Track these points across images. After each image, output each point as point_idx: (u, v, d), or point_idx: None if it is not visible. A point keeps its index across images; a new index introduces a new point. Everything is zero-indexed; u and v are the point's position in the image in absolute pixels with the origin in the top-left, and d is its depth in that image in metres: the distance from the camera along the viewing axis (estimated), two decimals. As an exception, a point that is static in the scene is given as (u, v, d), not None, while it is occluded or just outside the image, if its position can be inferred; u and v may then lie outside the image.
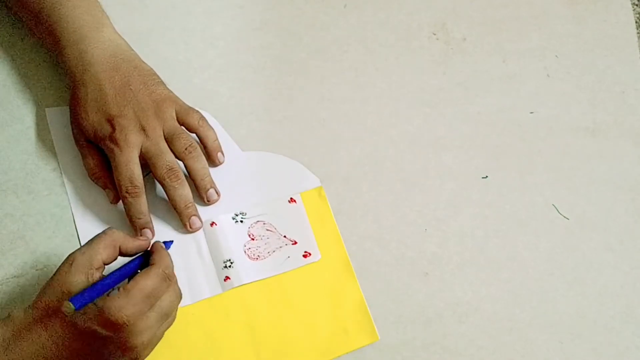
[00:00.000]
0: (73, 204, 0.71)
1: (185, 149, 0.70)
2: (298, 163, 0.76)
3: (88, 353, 0.59)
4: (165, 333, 0.65)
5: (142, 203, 0.69)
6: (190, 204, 0.70)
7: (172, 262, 0.64)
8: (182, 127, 0.72)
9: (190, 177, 0.71)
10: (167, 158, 0.69)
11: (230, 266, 0.71)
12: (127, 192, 0.68)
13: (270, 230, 0.73)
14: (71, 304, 0.56)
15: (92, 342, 0.59)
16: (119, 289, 0.59)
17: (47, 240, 0.70)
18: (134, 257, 0.64)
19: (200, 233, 0.72)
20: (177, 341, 0.68)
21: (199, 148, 0.71)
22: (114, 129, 0.68)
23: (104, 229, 0.70)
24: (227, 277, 0.70)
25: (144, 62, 0.73)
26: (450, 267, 0.74)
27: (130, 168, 0.68)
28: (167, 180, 0.69)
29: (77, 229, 0.71)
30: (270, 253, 0.72)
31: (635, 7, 0.89)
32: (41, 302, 0.60)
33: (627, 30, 0.86)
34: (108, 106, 0.69)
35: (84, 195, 0.72)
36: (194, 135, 0.73)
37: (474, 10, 0.85)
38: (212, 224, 0.72)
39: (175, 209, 0.70)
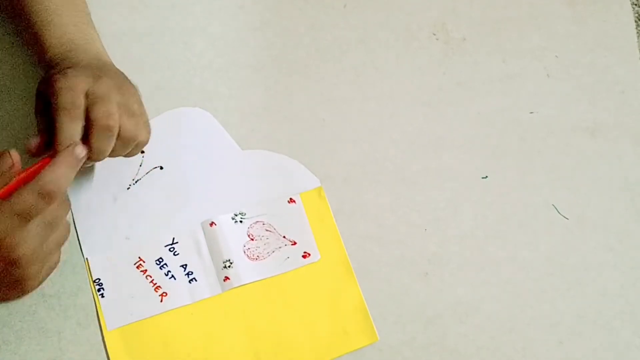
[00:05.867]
0: (73, 204, 0.71)
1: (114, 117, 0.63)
2: (298, 163, 0.76)
3: None
4: (164, 333, 0.66)
5: (77, 128, 0.62)
6: (101, 158, 0.64)
7: (66, 172, 0.59)
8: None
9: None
10: (110, 107, 0.63)
11: (229, 266, 0.71)
12: (64, 109, 0.61)
13: (270, 231, 0.73)
14: None
15: None
16: None
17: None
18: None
19: (199, 233, 0.72)
20: (177, 341, 0.68)
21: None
22: (65, 71, 0.64)
23: (103, 228, 0.71)
24: (226, 277, 0.70)
25: (128, 79, 0.70)
26: (450, 267, 0.74)
27: (74, 93, 0.61)
28: (98, 127, 0.62)
29: (77, 229, 0.71)
30: (269, 253, 0.72)
31: (635, 7, 0.89)
32: None
33: (627, 30, 0.86)
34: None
35: (84, 195, 0.72)
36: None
37: (474, 10, 0.85)
38: (212, 224, 0.72)
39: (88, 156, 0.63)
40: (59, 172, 0.58)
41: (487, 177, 0.78)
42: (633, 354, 0.73)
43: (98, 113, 0.62)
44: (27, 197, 0.56)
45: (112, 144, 0.64)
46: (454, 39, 0.84)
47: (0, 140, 0.73)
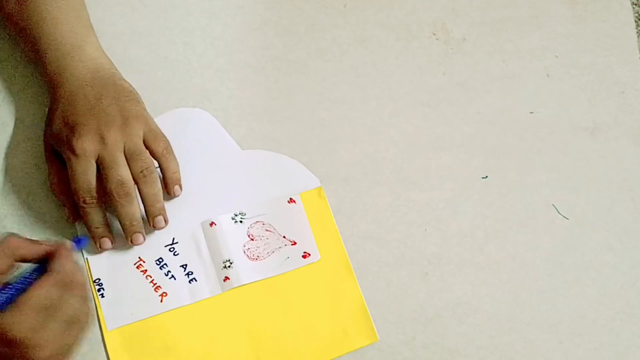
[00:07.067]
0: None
1: (141, 171, 0.68)
2: (298, 163, 0.76)
3: None
4: (164, 333, 0.65)
5: (99, 213, 0.68)
6: (135, 222, 0.68)
7: (76, 264, 0.60)
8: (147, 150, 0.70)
9: (142, 200, 0.69)
10: (120, 172, 0.67)
11: (229, 266, 0.71)
12: (84, 203, 0.67)
13: (270, 231, 0.73)
14: None
15: None
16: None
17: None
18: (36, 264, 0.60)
19: (200, 233, 0.72)
20: (177, 341, 0.68)
21: (155, 173, 0.69)
22: (72, 136, 0.67)
23: (103, 229, 0.71)
24: (226, 278, 0.70)
25: (124, 80, 0.72)
26: (450, 267, 0.74)
27: (87, 178, 0.67)
28: (115, 195, 0.67)
29: (77, 229, 0.71)
30: (269, 253, 0.72)
31: (635, 7, 0.89)
32: None
33: (627, 30, 0.86)
34: (73, 116, 0.68)
35: (84, 195, 0.72)
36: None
37: (474, 10, 0.85)
38: (212, 224, 0.72)
39: (120, 223, 0.69)
40: (70, 262, 0.60)
41: (487, 177, 0.78)
42: (633, 354, 0.73)
43: (112, 184, 0.67)
44: (47, 291, 0.57)
45: (136, 202, 0.68)
46: (454, 39, 0.84)
47: (1, 141, 0.73)
